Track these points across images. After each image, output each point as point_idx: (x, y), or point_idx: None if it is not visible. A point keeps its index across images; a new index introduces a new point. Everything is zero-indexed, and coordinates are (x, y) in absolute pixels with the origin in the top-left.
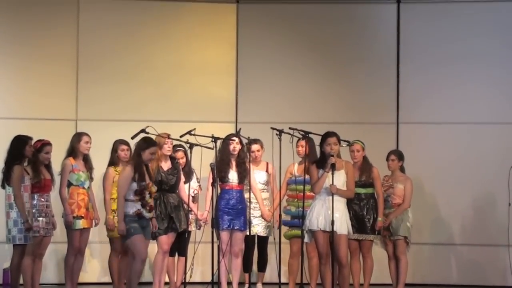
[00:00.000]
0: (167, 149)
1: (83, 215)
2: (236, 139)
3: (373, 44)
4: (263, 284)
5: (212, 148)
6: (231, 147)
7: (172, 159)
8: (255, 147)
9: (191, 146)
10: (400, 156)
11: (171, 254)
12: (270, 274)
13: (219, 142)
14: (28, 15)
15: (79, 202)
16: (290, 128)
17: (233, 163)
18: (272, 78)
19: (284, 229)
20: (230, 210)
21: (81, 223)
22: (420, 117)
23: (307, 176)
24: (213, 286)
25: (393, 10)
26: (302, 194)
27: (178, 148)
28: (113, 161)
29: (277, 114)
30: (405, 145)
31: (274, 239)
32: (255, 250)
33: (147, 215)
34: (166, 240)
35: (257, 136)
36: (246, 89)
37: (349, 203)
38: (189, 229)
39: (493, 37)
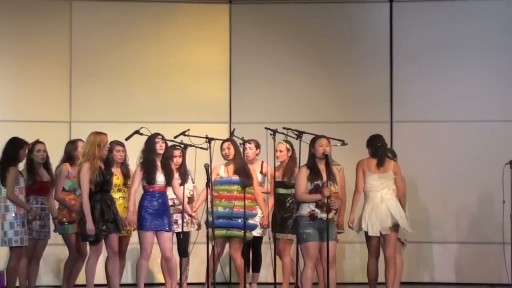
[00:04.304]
0: (106, 149)
1: (75, 220)
2: (161, 138)
3: (366, 43)
4: (258, 284)
5: (206, 149)
6: (157, 146)
7: (106, 159)
8: (247, 145)
9: (185, 147)
10: (394, 155)
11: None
12: (265, 274)
13: (213, 142)
14: (21, 18)
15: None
16: (284, 128)
17: (158, 164)
18: (265, 78)
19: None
20: (155, 211)
21: (73, 228)
22: (414, 116)
23: (234, 177)
24: (208, 286)
25: (386, 9)
26: (226, 194)
27: (177, 147)
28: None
29: (271, 114)
30: (399, 143)
31: (269, 239)
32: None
33: (322, 215)
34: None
35: (251, 136)
36: (240, 89)
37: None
38: (187, 230)
39: (487, 36)
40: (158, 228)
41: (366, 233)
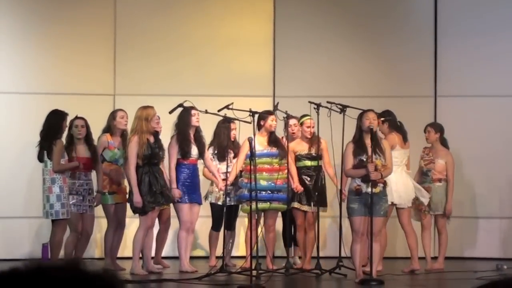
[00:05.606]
0: (156, 122)
1: (115, 191)
2: (196, 112)
3: (410, 14)
4: (283, 258)
5: (250, 122)
6: (194, 118)
7: (156, 133)
8: (292, 121)
9: (229, 120)
10: (437, 128)
11: (218, 229)
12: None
13: (256, 116)
14: None
15: (111, 178)
16: (328, 102)
17: (192, 136)
18: (309, 51)
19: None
20: (189, 184)
21: (113, 198)
22: (459, 90)
23: (272, 149)
24: (251, 260)
25: None
26: (267, 167)
27: (232, 120)
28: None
29: (315, 88)
30: (443, 118)
31: (313, 213)
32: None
33: (367, 190)
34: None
35: (295, 110)
36: (284, 62)
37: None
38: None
39: None
40: (192, 201)
41: (396, 208)
